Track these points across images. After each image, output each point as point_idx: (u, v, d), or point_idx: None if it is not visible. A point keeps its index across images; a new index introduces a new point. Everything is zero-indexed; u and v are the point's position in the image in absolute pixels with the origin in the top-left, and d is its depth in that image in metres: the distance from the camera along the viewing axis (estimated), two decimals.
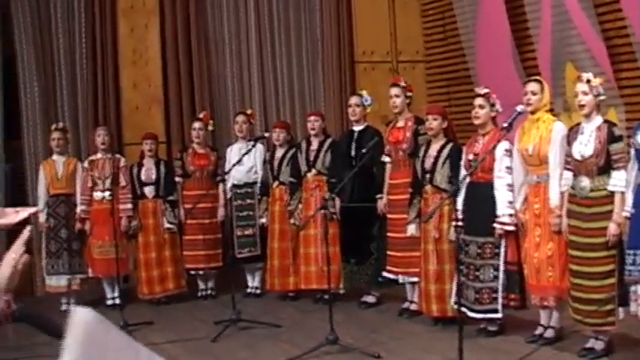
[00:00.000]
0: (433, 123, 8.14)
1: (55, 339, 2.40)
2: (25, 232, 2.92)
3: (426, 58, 12.70)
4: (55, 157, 9.89)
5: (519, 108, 6.93)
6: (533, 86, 7.26)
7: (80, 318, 1.80)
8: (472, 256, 7.59)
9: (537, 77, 7.72)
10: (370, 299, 9.35)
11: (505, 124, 6.68)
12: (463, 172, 7.72)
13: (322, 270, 9.09)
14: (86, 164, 9.94)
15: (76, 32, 11.21)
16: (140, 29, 11.51)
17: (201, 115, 10.42)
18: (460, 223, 7.45)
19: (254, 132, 10.63)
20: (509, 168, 7.45)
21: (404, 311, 8.81)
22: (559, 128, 7.17)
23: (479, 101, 7.71)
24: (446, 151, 8.09)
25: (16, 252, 2.85)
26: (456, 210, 7.52)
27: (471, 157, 7.65)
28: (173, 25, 11.68)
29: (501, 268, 7.49)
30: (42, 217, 9.74)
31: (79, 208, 9.81)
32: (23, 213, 3.03)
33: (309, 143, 9.66)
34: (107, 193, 9.64)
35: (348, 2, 12.44)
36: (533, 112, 7.23)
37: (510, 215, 7.39)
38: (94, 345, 1.77)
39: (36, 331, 7.39)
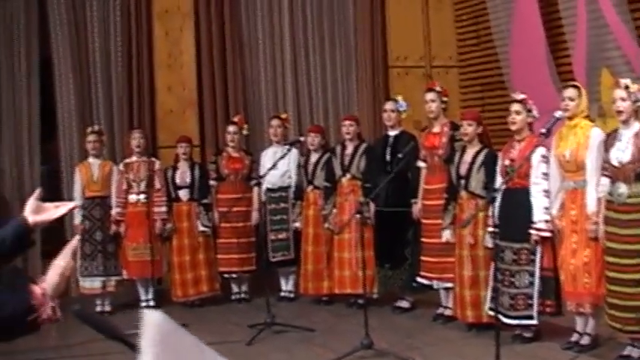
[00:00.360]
0: (468, 129, 8.12)
1: (112, 340, 2.43)
2: (74, 241, 2.95)
3: (460, 64, 12.67)
4: (90, 159, 9.95)
5: (558, 114, 6.92)
6: (570, 92, 7.24)
7: (152, 320, 1.83)
8: (507, 262, 7.55)
9: (575, 83, 7.71)
10: (404, 304, 9.34)
11: (543, 130, 6.68)
12: (498, 178, 7.71)
13: (356, 274, 9.13)
14: (121, 167, 10.00)
15: (112, 35, 11.31)
16: (175, 33, 11.57)
17: (235, 119, 10.45)
18: (496, 229, 7.45)
19: (288, 136, 10.63)
20: (545, 174, 7.42)
21: (438, 317, 8.78)
22: (596, 134, 7.15)
23: (515, 107, 7.66)
24: (481, 157, 8.07)
25: (64, 260, 2.88)
26: (492, 216, 7.53)
27: (507, 162, 7.63)
28: (208, 28, 11.74)
29: (537, 274, 7.45)
30: (77, 219, 9.82)
31: (114, 211, 9.86)
32: (62, 209, 3.05)
33: (343, 148, 9.66)
34: (142, 196, 9.72)
35: (382, 7, 12.44)
36: (570, 118, 7.21)
37: (546, 221, 7.37)
38: (167, 345, 1.81)
39: (73, 331, 7.44)
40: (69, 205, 3.04)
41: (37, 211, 3.19)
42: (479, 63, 12.21)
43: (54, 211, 3.00)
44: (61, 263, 2.88)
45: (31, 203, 3.19)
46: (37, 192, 3.18)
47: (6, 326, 2.78)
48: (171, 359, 1.81)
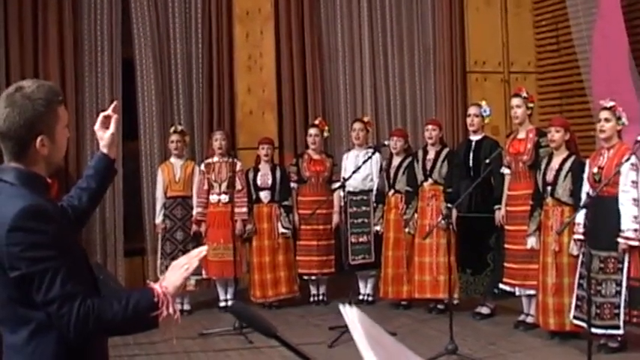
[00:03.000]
0: (556, 135, 8.04)
1: (264, 336, 2.47)
2: (203, 251, 2.99)
3: (538, 70, 12.59)
4: (172, 159, 10.07)
5: None
6: None
7: (355, 316, 1.86)
8: (594, 271, 7.45)
9: None
10: (485, 310, 9.29)
11: (639, 138, 6.61)
12: (586, 185, 7.64)
13: (437, 279, 9.12)
14: (203, 167, 10.08)
15: (193, 37, 11.45)
16: (255, 35, 11.66)
17: (316, 122, 10.47)
18: (581, 237, 7.41)
19: (368, 140, 10.63)
20: (634, 182, 7.32)
21: (519, 324, 8.72)
22: None
23: (604, 114, 7.57)
24: (568, 164, 7.99)
25: (191, 265, 2.92)
26: (577, 224, 7.47)
27: (595, 170, 7.55)
28: (287, 31, 11.83)
29: (624, 283, 7.34)
30: (158, 219, 9.95)
31: (195, 211, 9.95)
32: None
33: (425, 152, 9.64)
34: (223, 196, 9.81)
35: (461, 12, 12.43)
36: None
37: (635, 230, 7.26)
38: (375, 340, 1.83)
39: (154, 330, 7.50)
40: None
41: (109, 145, 3.47)
42: (558, 69, 12.12)
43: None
44: (186, 267, 2.93)
45: (106, 138, 3.46)
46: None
47: (129, 320, 2.84)
48: (384, 355, 1.83)
